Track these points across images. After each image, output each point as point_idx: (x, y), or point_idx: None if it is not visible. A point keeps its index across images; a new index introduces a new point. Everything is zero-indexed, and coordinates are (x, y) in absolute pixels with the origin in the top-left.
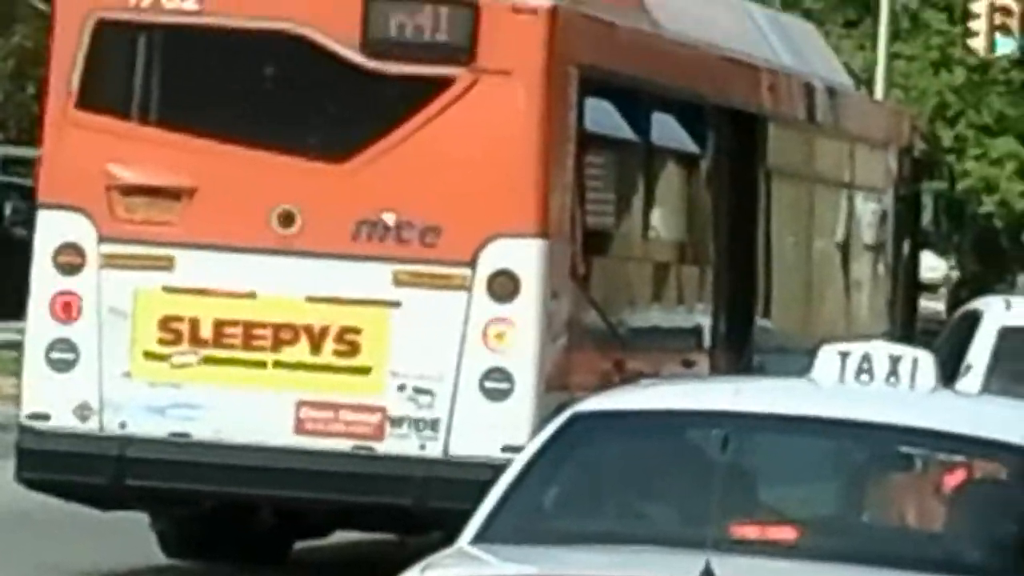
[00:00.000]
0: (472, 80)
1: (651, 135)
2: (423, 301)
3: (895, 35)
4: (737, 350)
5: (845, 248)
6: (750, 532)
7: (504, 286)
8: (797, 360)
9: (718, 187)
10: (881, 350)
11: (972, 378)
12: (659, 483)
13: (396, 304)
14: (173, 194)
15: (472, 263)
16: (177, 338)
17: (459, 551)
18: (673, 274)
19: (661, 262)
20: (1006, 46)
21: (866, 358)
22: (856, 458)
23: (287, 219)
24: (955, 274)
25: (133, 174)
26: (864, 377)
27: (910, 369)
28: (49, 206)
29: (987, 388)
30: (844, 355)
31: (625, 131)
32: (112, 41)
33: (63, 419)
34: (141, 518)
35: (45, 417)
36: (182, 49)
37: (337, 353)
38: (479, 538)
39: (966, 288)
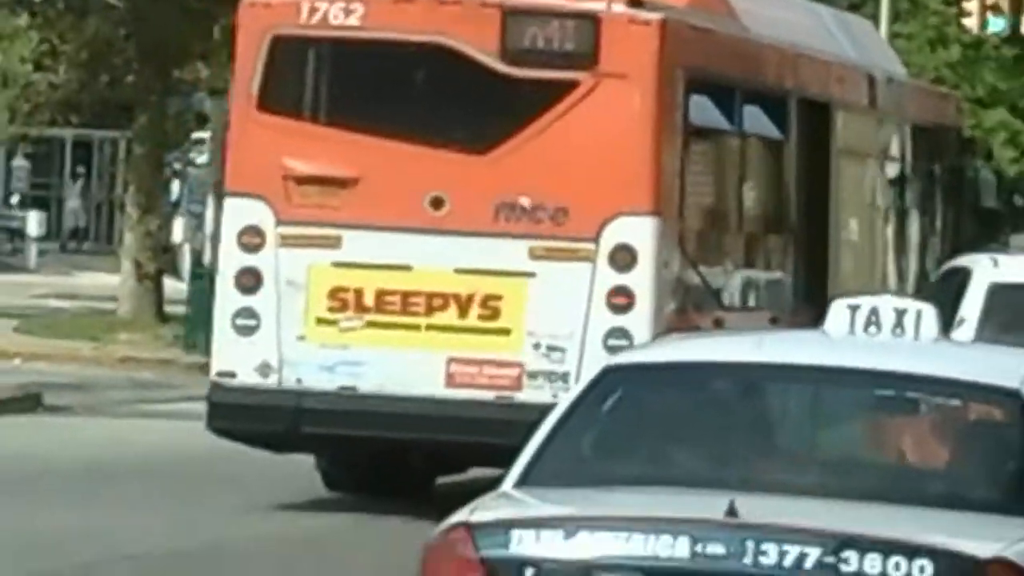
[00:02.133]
0: (595, 83)
1: (743, 125)
2: (554, 272)
3: (896, 15)
4: (813, 309)
5: (903, 217)
6: (766, 474)
7: (624, 258)
8: None
9: (799, 168)
10: (887, 303)
11: (965, 330)
12: (687, 429)
13: (532, 275)
14: (340, 183)
15: (596, 238)
16: (344, 306)
17: (503, 494)
18: (763, 244)
19: (753, 234)
20: (996, 25)
21: (874, 311)
22: (866, 403)
23: (438, 203)
24: None
25: (305, 166)
26: (872, 329)
27: (914, 321)
28: (234, 194)
29: (979, 338)
30: (854, 308)
31: (721, 123)
32: (287, 53)
33: (247, 376)
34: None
35: (232, 375)
36: (347, 58)
37: (481, 317)
38: (521, 482)
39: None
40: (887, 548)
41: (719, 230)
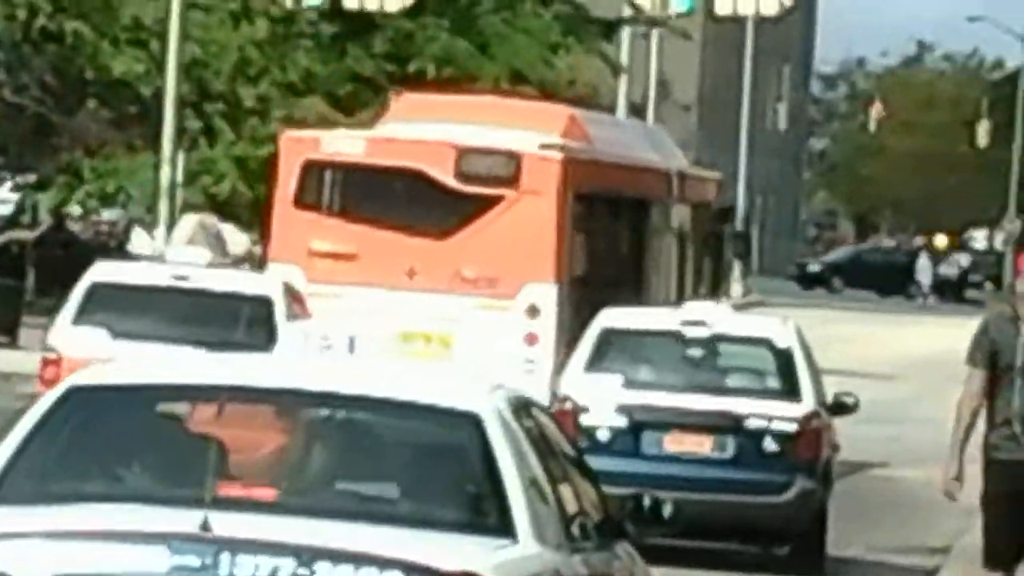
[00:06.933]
0: (518, 197)
1: (604, 220)
2: (487, 318)
3: None
4: None
5: (682, 269)
6: (235, 492)
7: (533, 312)
8: None
9: (630, 244)
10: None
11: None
12: (152, 449)
13: (473, 319)
14: (347, 256)
15: (515, 297)
16: None
17: None
18: (611, 298)
19: (614, 293)
20: None
21: (325, 337)
22: (318, 423)
23: (412, 273)
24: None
25: (324, 244)
26: (326, 351)
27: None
28: (277, 261)
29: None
30: (306, 332)
31: (591, 220)
32: (313, 170)
33: None
34: None
35: None
36: (353, 175)
37: (438, 346)
38: None
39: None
40: (358, 561)
41: (595, 290)
